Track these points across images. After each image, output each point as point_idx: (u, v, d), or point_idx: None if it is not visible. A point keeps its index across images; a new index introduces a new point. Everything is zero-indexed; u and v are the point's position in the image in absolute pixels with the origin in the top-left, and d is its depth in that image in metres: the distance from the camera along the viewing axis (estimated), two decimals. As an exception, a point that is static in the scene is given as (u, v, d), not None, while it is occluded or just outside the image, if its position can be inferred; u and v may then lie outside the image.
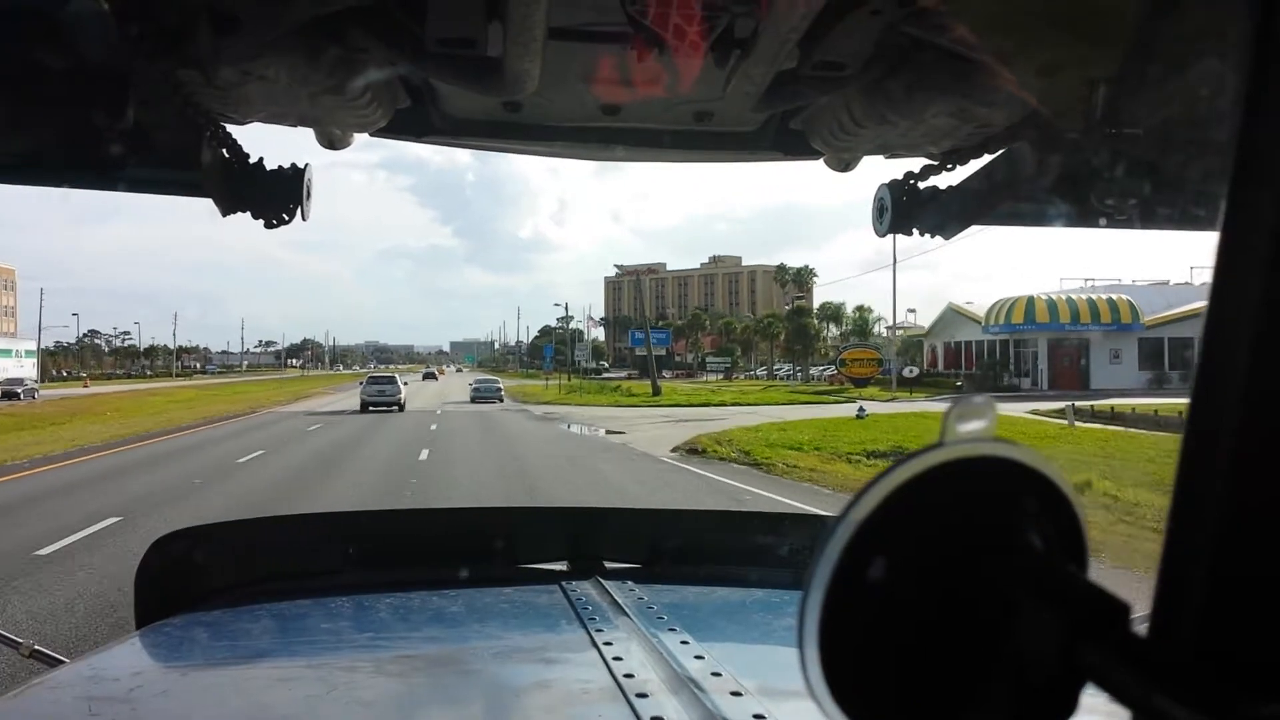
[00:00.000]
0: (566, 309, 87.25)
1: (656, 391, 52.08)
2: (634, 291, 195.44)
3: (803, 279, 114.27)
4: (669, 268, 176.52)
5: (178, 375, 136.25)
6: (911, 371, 49.55)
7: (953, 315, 60.61)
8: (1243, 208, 0.40)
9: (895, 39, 1.42)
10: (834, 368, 72.87)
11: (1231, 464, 0.40)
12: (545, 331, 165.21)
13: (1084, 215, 1.57)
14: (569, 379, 69.11)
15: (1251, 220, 0.40)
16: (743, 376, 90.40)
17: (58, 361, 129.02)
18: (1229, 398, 0.40)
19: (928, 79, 1.47)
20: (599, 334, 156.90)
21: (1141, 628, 0.42)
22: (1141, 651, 0.41)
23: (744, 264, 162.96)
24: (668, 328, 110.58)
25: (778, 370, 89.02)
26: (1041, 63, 1.32)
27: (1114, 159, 1.43)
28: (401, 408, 40.25)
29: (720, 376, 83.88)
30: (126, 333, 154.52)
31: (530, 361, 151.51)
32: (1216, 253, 0.40)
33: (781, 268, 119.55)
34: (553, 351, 70.40)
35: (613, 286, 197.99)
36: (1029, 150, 1.58)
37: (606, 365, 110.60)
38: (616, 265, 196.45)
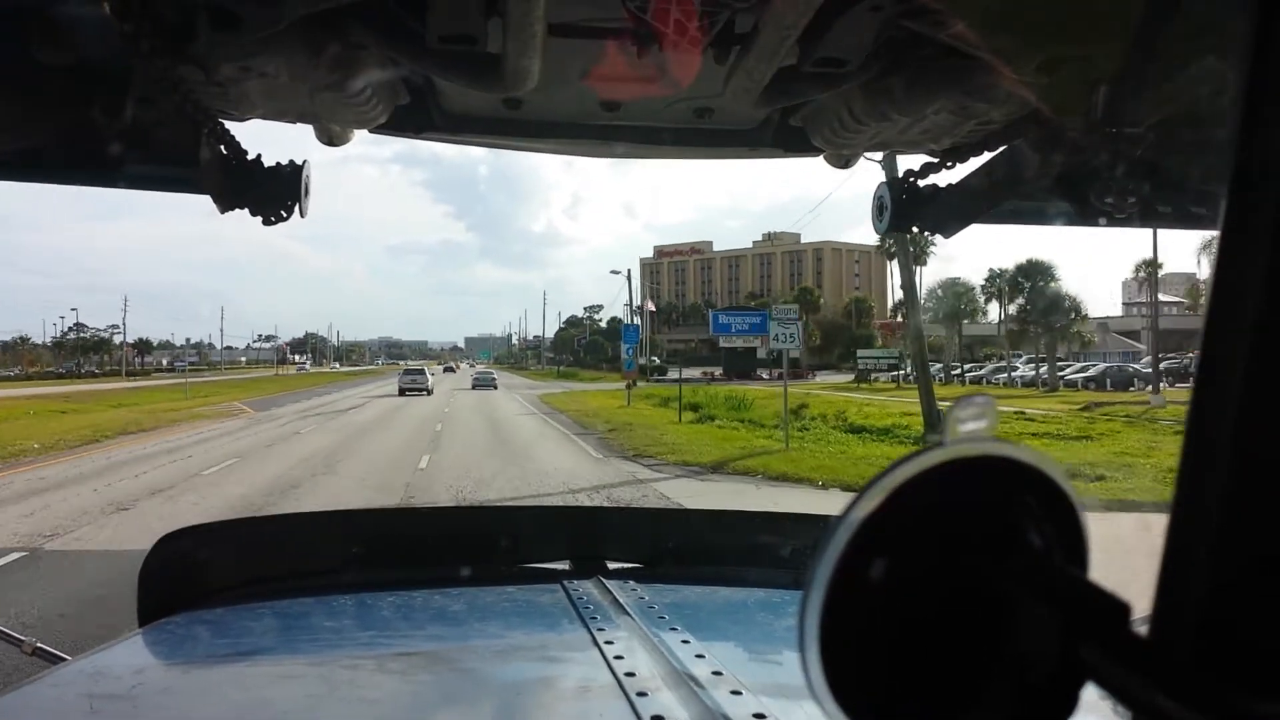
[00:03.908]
0: (629, 277, 58.73)
1: (933, 426, 21.85)
2: (675, 276, 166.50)
3: (920, 248, 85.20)
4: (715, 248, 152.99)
5: (130, 374, 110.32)
6: None
7: None
8: (1243, 208, 0.40)
9: (895, 35, 1.41)
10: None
11: (1232, 464, 0.39)
12: (573, 322, 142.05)
13: (1084, 213, 1.55)
14: (634, 383, 39.75)
15: (1251, 220, 0.39)
16: (882, 378, 59.85)
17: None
18: (1229, 397, 0.39)
19: (928, 76, 1.46)
20: (629, 323, 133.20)
21: (1141, 628, 0.41)
22: (1141, 651, 0.40)
23: (804, 241, 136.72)
24: (761, 309, 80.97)
25: (966, 368, 58.67)
26: (1042, 60, 1.31)
27: (1114, 157, 1.42)
28: (430, 392, 49.19)
29: (852, 379, 54.52)
30: (115, 326, 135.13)
31: (556, 357, 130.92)
32: (1216, 253, 0.40)
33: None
34: (637, 340, 40.44)
35: (650, 270, 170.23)
36: (1029, 148, 1.57)
37: (657, 360, 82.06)
38: (655, 247, 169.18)
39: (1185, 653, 0.40)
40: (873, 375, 59.15)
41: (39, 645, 1.57)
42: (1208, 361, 0.41)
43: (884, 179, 1.83)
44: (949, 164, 1.74)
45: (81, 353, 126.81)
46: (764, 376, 70.49)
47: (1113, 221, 1.51)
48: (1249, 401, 0.39)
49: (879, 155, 1.84)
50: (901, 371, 57.94)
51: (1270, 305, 0.38)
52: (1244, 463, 0.39)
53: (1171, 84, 1.24)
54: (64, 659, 1.49)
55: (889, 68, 1.47)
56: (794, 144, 1.83)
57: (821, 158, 1.87)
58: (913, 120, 1.57)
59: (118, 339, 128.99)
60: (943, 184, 1.79)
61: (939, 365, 64.82)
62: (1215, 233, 0.41)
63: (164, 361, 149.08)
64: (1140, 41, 1.19)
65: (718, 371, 70.43)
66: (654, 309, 79.28)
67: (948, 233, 1.80)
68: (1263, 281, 0.39)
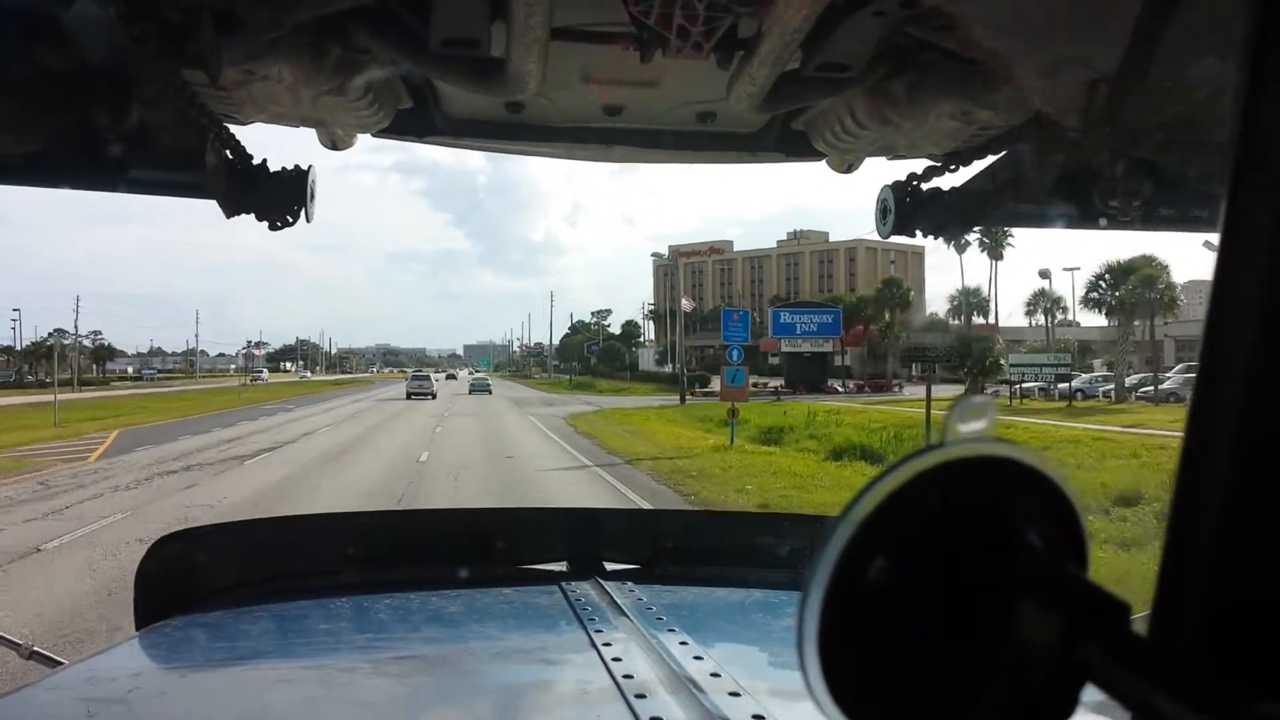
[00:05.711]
0: (675, 261, 45.05)
1: None
2: (692, 279, 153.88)
3: (995, 241, 71.39)
4: (736, 248, 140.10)
5: (85, 384, 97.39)
6: None
7: None
8: (1243, 208, 0.40)
9: (898, 40, 1.42)
10: None
11: (1231, 464, 0.39)
12: (579, 328, 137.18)
13: (1086, 216, 1.56)
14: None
15: (1251, 220, 0.39)
16: (1031, 393, 44.24)
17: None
18: (1229, 398, 0.39)
19: (930, 80, 1.47)
20: (638, 329, 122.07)
21: (1141, 628, 0.41)
22: (1141, 651, 0.40)
23: (832, 239, 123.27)
24: (833, 304, 66.07)
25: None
26: (1044, 64, 1.31)
27: (1116, 160, 1.42)
28: (434, 396, 54.79)
29: (1011, 395, 39.46)
30: (97, 332, 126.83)
31: (565, 365, 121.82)
32: (1217, 253, 0.40)
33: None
34: (745, 337, 24.81)
35: (664, 272, 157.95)
36: (1031, 151, 1.58)
37: (672, 368, 68.29)
38: (671, 246, 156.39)
39: (1185, 653, 0.40)
40: (986, 388, 44.29)
41: (36, 649, 1.57)
42: (1208, 361, 0.40)
43: (886, 182, 1.84)
44: (952, 167, 1.75)
45: (33, 359, 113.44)
46: (839, 390, 55.66)
47: (1114, 224, 1.51)
48: (1249, 401, 0.39)
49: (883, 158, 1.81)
50: (1037, 384, 43.42)
51: (1270, 305, 0.38)
52: (1244, 462, 0.39)
53: (1172, 86, 1.24)
54: (61, 663, 1.51)
55: (891, 73, 1.48)
56: (796, 148, 1.86)
57: (824, 162, 1.88)
58: (915, 124, 1.58)
59: (102, 344, 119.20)
60: (945, 187, 1.80)
61: (1089, 376, 49.97)
62: (1215, 233, 0.40)
63: (129, 369, 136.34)
64: (1141, 44, 1.19)
65: (778, 383, 56.02)
66: (690, 308, 65.15)
67: (950, 235, 1.81)
68: (1263, 281, 0.38)
